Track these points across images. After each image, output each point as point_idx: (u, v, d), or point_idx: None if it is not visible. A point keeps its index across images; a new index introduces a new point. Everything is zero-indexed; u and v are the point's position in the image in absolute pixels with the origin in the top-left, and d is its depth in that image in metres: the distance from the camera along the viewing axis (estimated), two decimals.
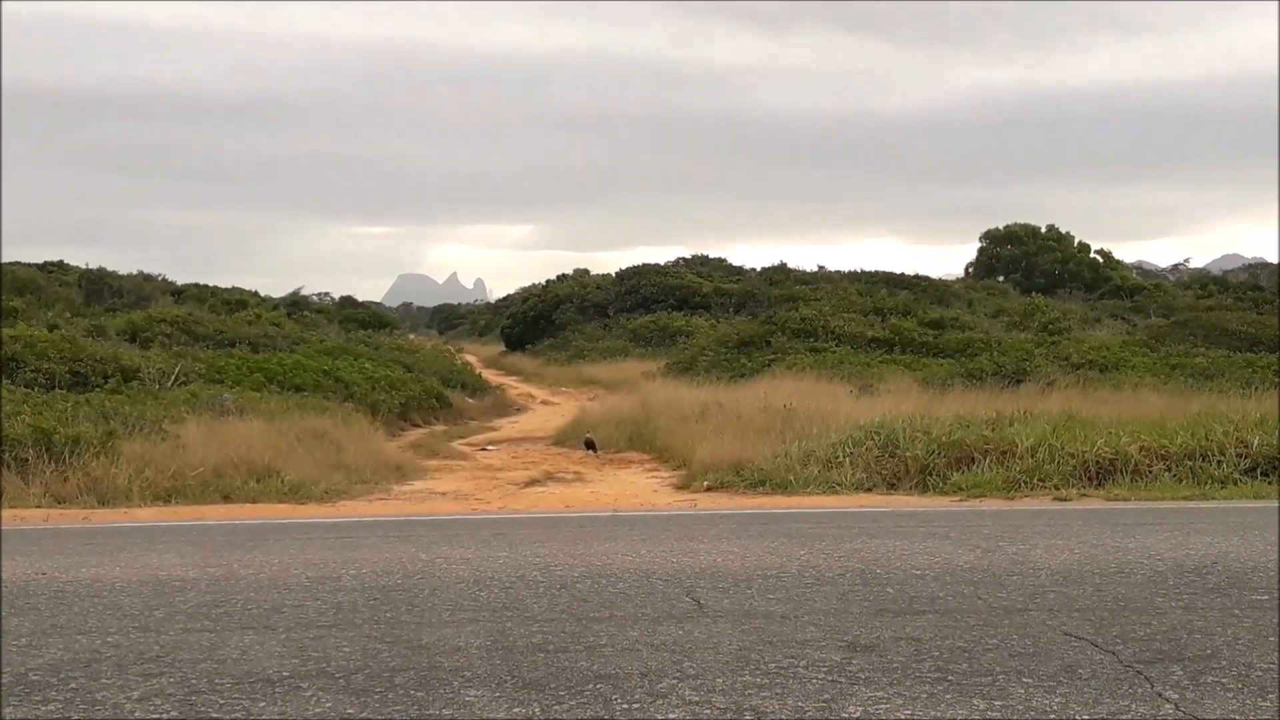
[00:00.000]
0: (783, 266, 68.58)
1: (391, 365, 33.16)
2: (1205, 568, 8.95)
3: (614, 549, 10.03)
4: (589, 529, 11.49)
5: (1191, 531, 10.76)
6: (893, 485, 15.24)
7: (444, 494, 16.63)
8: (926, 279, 62.10)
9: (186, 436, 16.96)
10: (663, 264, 69.09)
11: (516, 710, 5.73)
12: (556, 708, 5.76)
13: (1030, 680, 6.13)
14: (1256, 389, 21.63)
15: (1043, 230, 77.63)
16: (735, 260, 75.94)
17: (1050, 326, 40.47)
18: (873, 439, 16.05)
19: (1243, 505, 13.17)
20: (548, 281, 77.96)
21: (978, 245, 79.75)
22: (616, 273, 68.54)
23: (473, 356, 61.23)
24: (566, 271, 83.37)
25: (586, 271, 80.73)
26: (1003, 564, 9.15)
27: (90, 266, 57.55)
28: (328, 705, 5.85)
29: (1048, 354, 29.52)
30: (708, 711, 5.69)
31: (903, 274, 62.43)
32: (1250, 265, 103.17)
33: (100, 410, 17.36)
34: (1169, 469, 15.11)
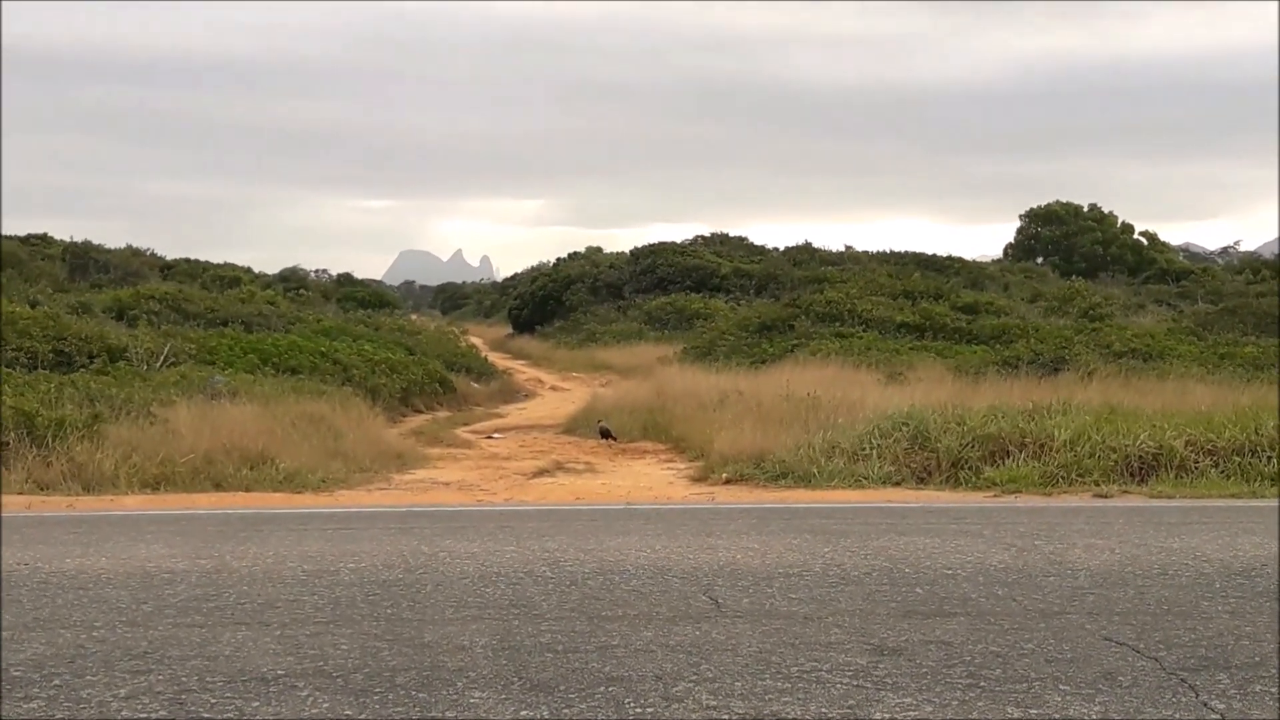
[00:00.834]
0: (807, 246, 68.40)
1: (392, 347, 33.20)
2: (1254, 570, 8.93)
3: (627, 544, 10.04)
4: (601, 523, 11.51)
5: (1239, 531, 10.75)
6: (922, 479, 15.22)
7: (447, 484, 16.65)
8: (960, 260, 61.79)
9: (176, 421, 17.00)
10: (680, 242, 68.92)
11: (524, 713, 5.75)
12: (566, 711, 5.77)
13: (1068, 687, 6.13)
14: None
15: (1085, 209, 77.32)
16: (757, 239, 75.91)
17: (1091, 312, 40.39)
18: (901, 430, 16.03)
19: None
20: (558, 260, 77.91)
21: (1016, 225, 79.48)
22: (631, 251, 68.41)
23: (478, 339, 61.25)
24: (578, 249, 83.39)
25: (599, 250, 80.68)
26: (1039, 564, 9.14)
27: (75, 239, 57.74)
28: (325, 706, 5.87)
29: (1088, 342, 29.46)
30: (726, 716, 5.69)
31: (935, 255, 62.16)
32: None
33: (85, 392, 17.40)
34: (1216, 465, 15.08)
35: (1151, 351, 28.25)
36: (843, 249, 68.51)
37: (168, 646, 6.86)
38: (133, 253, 57.62)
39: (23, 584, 8.48)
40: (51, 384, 17.73)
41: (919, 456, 15.57)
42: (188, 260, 58.98)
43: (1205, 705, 5.89)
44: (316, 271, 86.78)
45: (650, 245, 66.72)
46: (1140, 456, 14.99)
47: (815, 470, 15.54)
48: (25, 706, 5.87)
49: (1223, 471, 14.95)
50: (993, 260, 73.41)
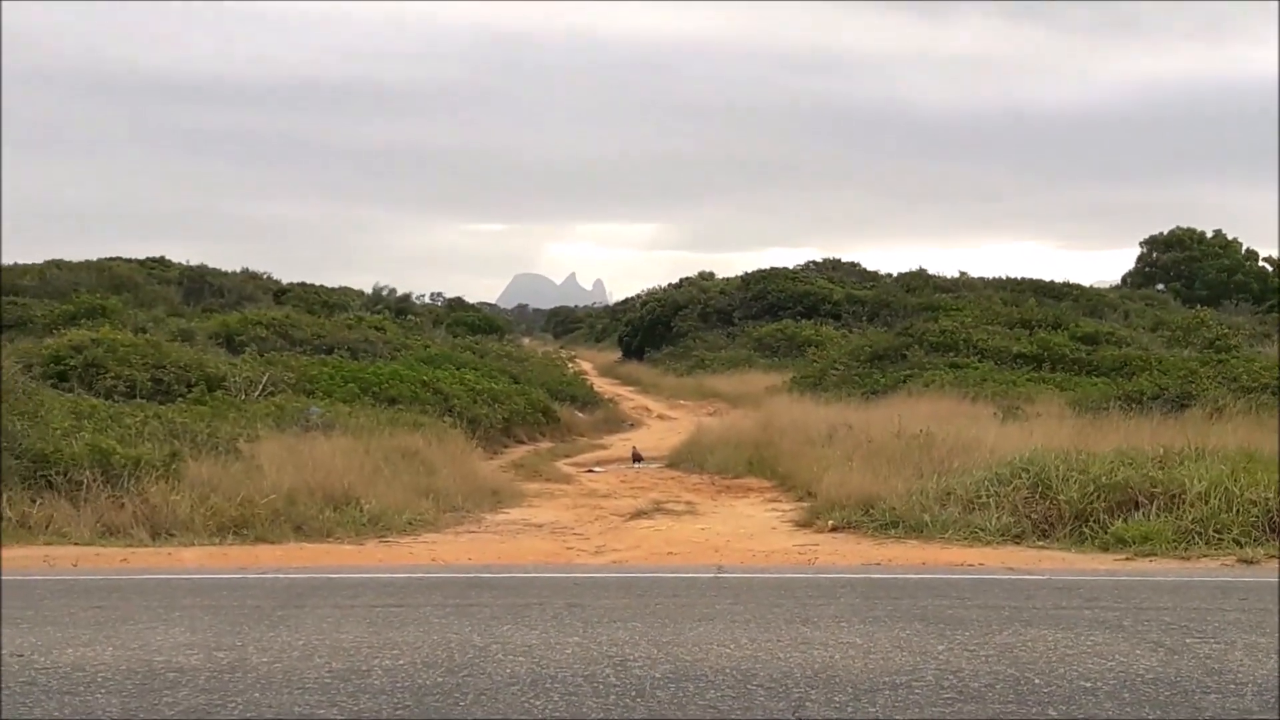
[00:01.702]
0: (921, 272, 66.96)
1: (497, 375, 32.57)
2: None
3: (710, 635, 8.76)
4: (684, 599, 10.28)
5: None
6: (1044, 533, 14.04)
7: (540, 526, 15.85)
8: (1078, 287, 60.17)
9: (262, 456, 16.38)
10: (792, 268, 67.98)
11: None
12: None
13: None
14: None
15: (1208, 235, 75.02)
16: (870, 264, 74.56)
17: (1216, 343, 38.69)
18: (1021, 477, 14.87)
19: None
20: (669, 285, 77.17)
21: (1134, 251, 77.33)
22: (742, 276, 67.54)
23: (587, 364, 60.78)
24: (690, 273, 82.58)
25: (711, 275, 79.75)
26: (1193, 673, 7.72)
27: (192, 263, 58.04)
28: None
29: (1214, 374, 27.97)
30: None
31: (1052, 281, 60.58)
32: None
33: (169, 427, 16.79)
34: None
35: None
36: (957, 275, 66.91)
37: None
38: (247, 276, 57.79)
39: (7, 683, 7.49)
40: (137, 417, 17.15)
41: (1040, 507, 14.39)
42: (303, 284, 58.99)
43: None
44: (433, 295, 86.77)
45: (761, 271, 65.89)
46: None
47: (928, 519, 14.47)
48: None
49: None
50: (1111, 287, 71.46)
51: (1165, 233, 76.13)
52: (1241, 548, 13.06)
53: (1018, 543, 13.84)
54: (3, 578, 11.07)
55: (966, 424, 20.27)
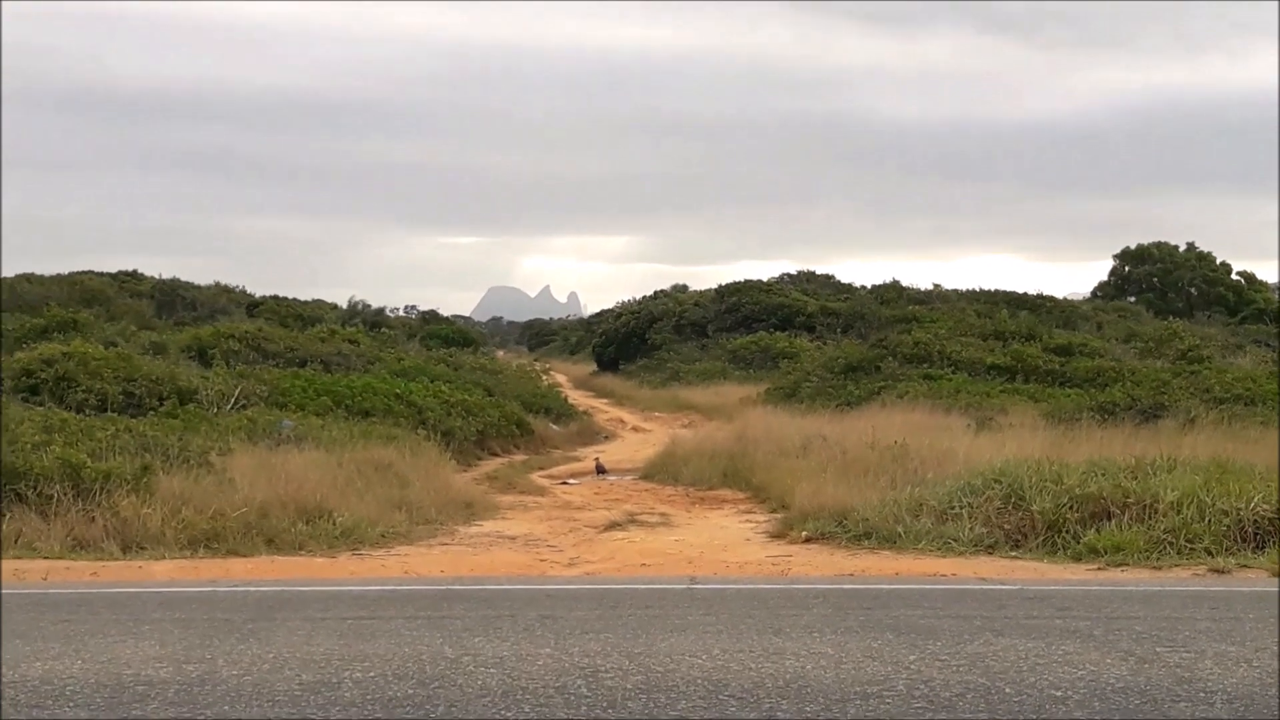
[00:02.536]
0: (895, 284, 67.03)
1: (471, 388, 32.48)
2: None
3: (682, 646, 8.69)
4: (656, 611, 10.22)
5: None
6: (1017, 543, 14.06)
7: (513, 539, 15.81)
8: (1051, 299, 60.30)
9: (234, 469, 16.30)
10: (766, 280, 68.00)
11: None
12: None
13: None
14: None
15: (1181, 249, 75.33)
16: (844, 277, 74.84)
17: (1189, 354, 38.86)
18: (994, 488, 14.91)
19: None
20: (643, 298, 77.20)
21: (1110, 264, 77.61)
22: (717, 289, 67.59)
23: (562, 376, 60.69)
24: (665, 286, 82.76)
25: (685, 287, 79.88)
26: (1164, 682, 7.70)
27: (165, 276, 57.85)
28: None
29: (1186, 385, 28.11)
30: None
31: (1025, 293, 60.73)
32: None
33: (141, 440, 16.70)
34: None
35: (1254, 396, 26.83)
36: (931, 287, 67.05)
37: None
38: (221, 289, 57.62)
39: None
40: (108, 431, 17.05)
41: (1013, 517, 14.42)
42: (275, 297, 58.79)
43: None
44: (407, 308, 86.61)
45: (736, 283, 65.91)
46: (1255, 521, 13.71)
47: (901, 530, 14.50)
48: None
49: None
50: (1083, 299, 71.70)
51: (1135, 246, 76.40)
52: (1213, 557, 13.10)
53: (990, 553, 13.87)
54: None
55: (940, 435, 20.34)
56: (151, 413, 21.46)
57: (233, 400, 23.56)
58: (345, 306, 62.33)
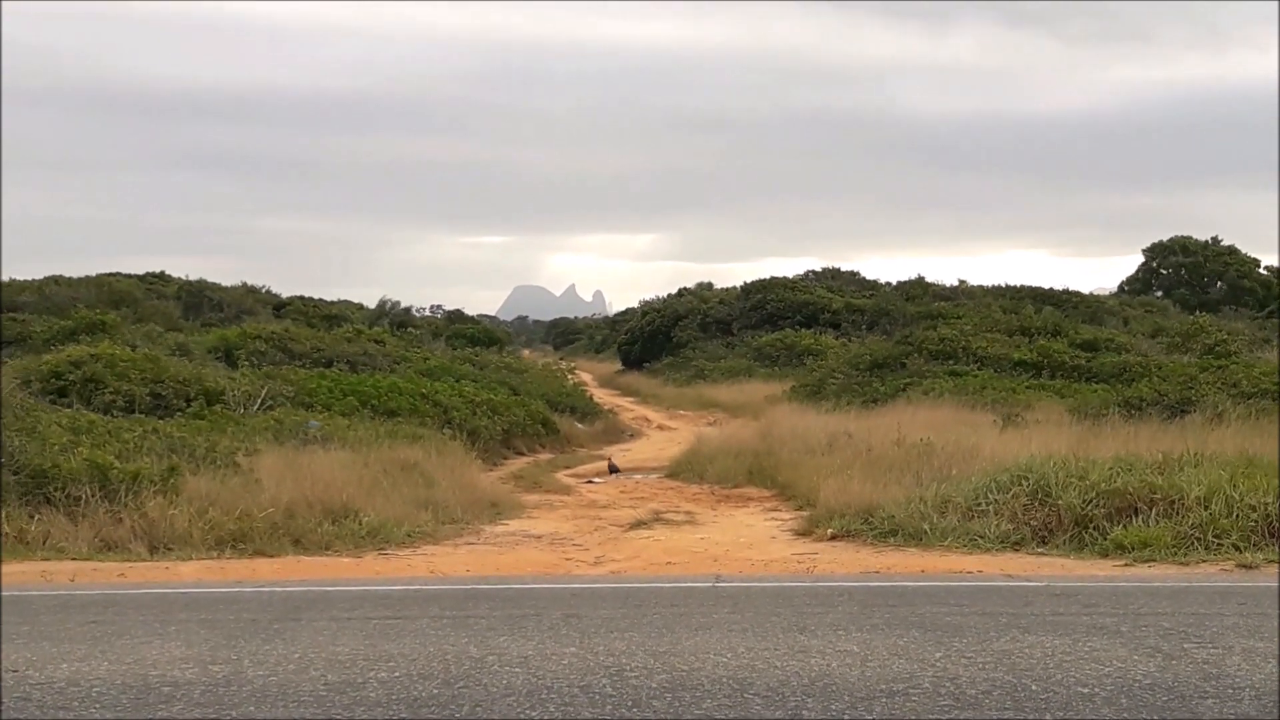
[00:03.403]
0: (920, 281, 66.89)
1: (496, 387, 32.52)
2: None
3: (707, 644, 8.68)
4: (682, 609, 10.22)
5: None
6: (1044, 539, 14.01)
7: (539, 538, 15.82)
8: (1077, 294, 60.07)
9: (261, 470, 16.35)
10: (791, 277, 67.91)
11: None
12: None
13: None
14: None
15: (1206, 242, 74.91)
16: (869, 273, 74.65)
17: (1216, 349, 38.64)
18: (1020, 484, 14.84)
19: None
20: (668, 296, 77.18)
21: (1140, 259, 77.20)
22: (742, 286, 67.58)
23: (587, 375, 60.74)
24: (689, 284, 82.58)
25: (710, 285, 79.80)
26: (1191, 678, 7.66)
27: (191, 278, 58.06)
28: None
29: (1214, 380, 27.93)
30: None
31: (1050, 289, 60.51)
32: None
33: (168, 441, 16.76)
34: None
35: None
36: (956, 283, 66.87)
37: None
38: (247, 290, 57.77)
39: (3, 698, 7.42)
40: (136, 432, 17.12)
41: (1039, 513, 14.36)
42: (302, 298, 58.96)
43: None
44: (432, 307, 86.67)
45: (761, 280, 65.85)
46: None
47: (927, 528, 14.44)
48: None
49: None
50: (1109, 293, 71.38)
51: (1168, 241, 75.99)
52: (1240, 553, 13.03)
53: (1017, 550, 13.81)
54: (1, 593, 11.05)
55: (966, 432, 20.25)
56: (178, 414, 21.57)
57: (259, 401, 23.64)
58: (373, 307, 62.42)
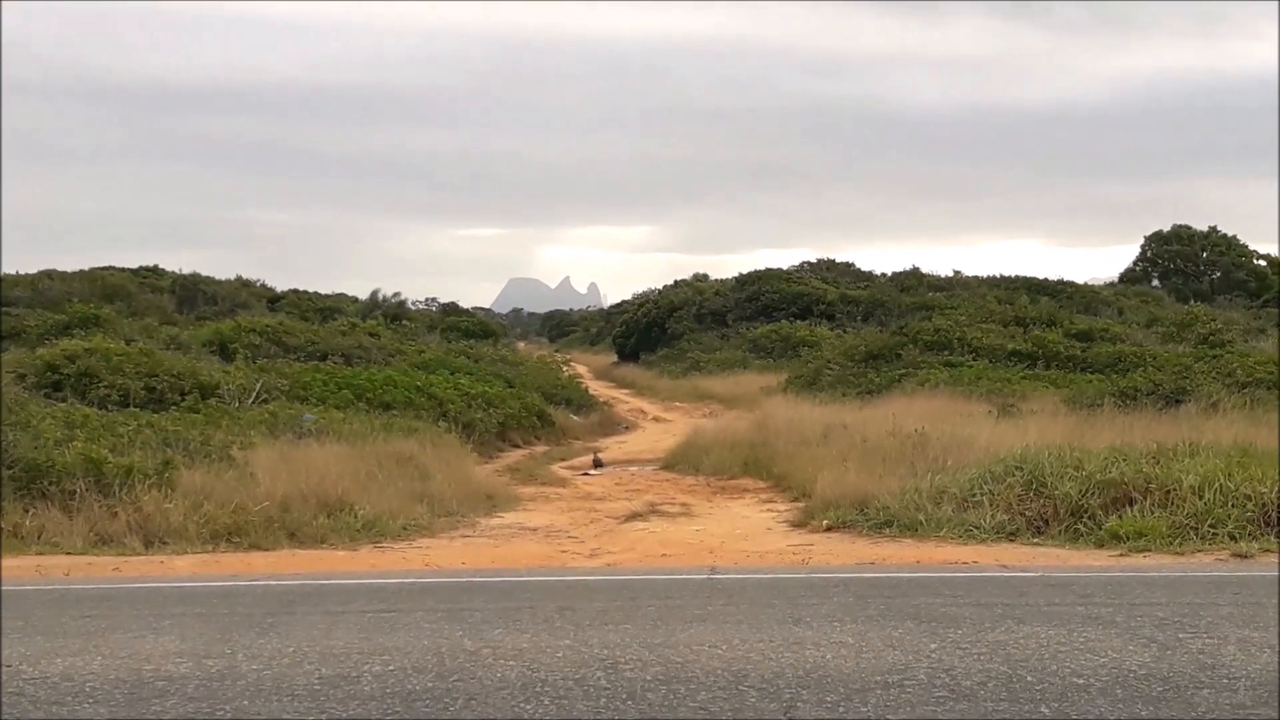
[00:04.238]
0: (915, 271, 66.97)
1: (491, 380, 32.52)
2: None
3: (701, 636, 8.66)
4: (676, 601, 10.18)
5: None
6: (1039, 530, 14.02)
7: (534, 529, 15.83)
8: (1072, 284, 60.18)
9: (256, 464, 16.34)
10: (786, 269, 68.01)
11: None
12: None
13: None
14: None
15: (1204, 232, 74.94)
16: (864, 264, 74.66)
17: (1210, 338, 38.69)
18: (1015, 474, 14.86)
19: None
20: (663, 288, 77.18)
21: (1127, 247, 77.35)
22: (736, 278, 67.59)
23: (583, 367, 60.71)
24: (684, 275, 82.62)
25: (706, 277, 79.79)
26: (1186, 668, 7.64)
27: (185, 271, 57.98)
28: None
29: (1209, 370, 27.97)
30: None
31: (1046, 279, 60.58)
32: None
33: (163, 435, 16.75)
34: None
35: (1277, 380, 26.68)
36: (951, 274, 66.93)
37: None
38: (241, 284, 57.70)
39: None
40: (130, 426, 17.12)
41: (1034, 504, 14.37)
42: (296, 291, 58.90)
43: None
44: (427, 300, 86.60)
45: (756, 272, 65.90)
46: (1279, 505, 13.63)
47: (922, 518, 14.46)
48: None
49: None
50: (1104, 283, 71.44)
51: (1167, 230, 76.01)
52: (1236, 542, 13.02)
53: (1012, 540, 13.82)
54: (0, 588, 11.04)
55: (961, 422, 20.27)
56: (173, 408, 21.58)
57: (254, 394, 23.64)
58: (365, 299, 62.28)
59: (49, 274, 50.33)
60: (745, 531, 15.39)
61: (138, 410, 20.46)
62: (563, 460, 25.65)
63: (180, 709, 7.08)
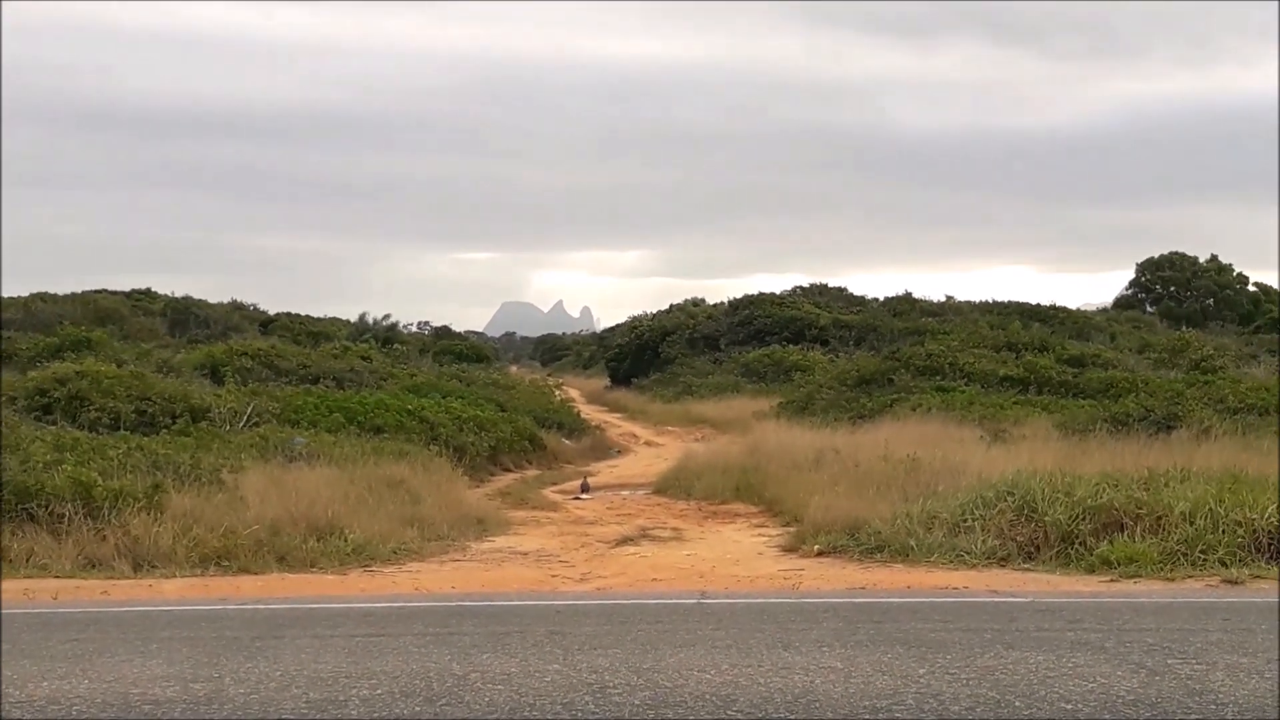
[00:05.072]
0: (908, 297, 67.08)
1: (483, 403, 32.48)
2: None
3: (691, 661, 8.63)
4: (666, 626, 10.19)
5: None
6: (1030, 555, 14.02)
7: (525, 554, 15.78)
8: (1064, 310, 60.31)
9: (246, 487, 16.30)
10: (779, 293, 68.01)
11: None
12: None
13: None
14: None
15: (1195, 258, 75.13)
16: (856, 289, 74.76)
17: (1202, 364, 38.75)
18: (1006, 500, 14.86)
19: None
20: (656, 312, 77.21)
21: (1120, 273, 77.70)
22: (729, 302, 67.68)
23: (575, 391, 60.70)
24: (677, 300, 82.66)
25: (702, 301, 79.86)
26: (1174, 694, 7.63)
27: (178, 295, 58.03)
28: None
29: (1200, 396, 28.00)
30: None
31: (1038, 305, 60.71)
32: None
33: (153, 459, 16.72)
34: None
35: (1268, 406, 26.72)
36: (943, 299, 67.07)
37: None
38: (234, 307, 57.77)
39: None
40: (120, 449, 17.08)
41: (1025, 529, 14.37)
42: (289, 315, 58.91)
43: None
44: (420, 324, 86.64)
45: (748, 296, 65.93)
46: (1269, 531, 13.64)
47: (913, 543, 14.44)
48: None
49: None
50: (1098, 310, 71.60)
51: (1159, 257, 76.18)
52: (1227, 568, 13.04)
53: (1003, 565, 13.82)
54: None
55: (953, 447, 20.28)
56: (164, 431, 21.50)
57: (245, 418, 23.60)
58: (355, 321, 62.25)
59: (41, 296, 50.39)
60: (736, 556, 15.37)
61: (128, 433, 20.40)
62: (554, 484, 25.61)
63: None
